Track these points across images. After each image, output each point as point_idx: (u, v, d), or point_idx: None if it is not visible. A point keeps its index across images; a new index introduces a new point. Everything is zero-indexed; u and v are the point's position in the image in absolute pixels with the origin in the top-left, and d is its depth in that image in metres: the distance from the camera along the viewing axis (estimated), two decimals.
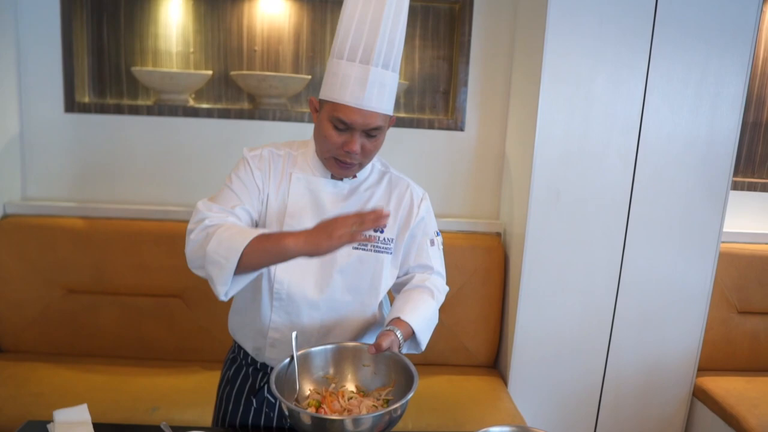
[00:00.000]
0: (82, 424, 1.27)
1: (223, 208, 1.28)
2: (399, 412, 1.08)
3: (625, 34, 2.09)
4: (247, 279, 1.23)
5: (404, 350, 1.29)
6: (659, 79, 2.13)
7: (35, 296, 2.27)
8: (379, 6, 1.22)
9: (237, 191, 1.32)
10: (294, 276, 1.32)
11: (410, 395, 1.08)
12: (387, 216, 1.09)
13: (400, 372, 1.21)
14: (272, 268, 1.32)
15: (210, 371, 2.16)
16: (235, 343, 1.49)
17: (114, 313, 2.29)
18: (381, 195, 1.39)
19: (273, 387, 1.09)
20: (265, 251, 1.15)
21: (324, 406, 1.16)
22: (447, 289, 1.46)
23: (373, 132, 1.26)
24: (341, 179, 1.36)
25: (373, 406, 1.16)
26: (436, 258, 1.44)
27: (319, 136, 1.30)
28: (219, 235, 1.19)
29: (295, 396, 1.17)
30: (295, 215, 1.33)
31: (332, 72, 1.25)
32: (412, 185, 1.43)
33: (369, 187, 1.39)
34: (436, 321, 1.38)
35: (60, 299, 2.28)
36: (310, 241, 1.11)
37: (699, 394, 2.38)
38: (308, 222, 1.32)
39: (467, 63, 2.46)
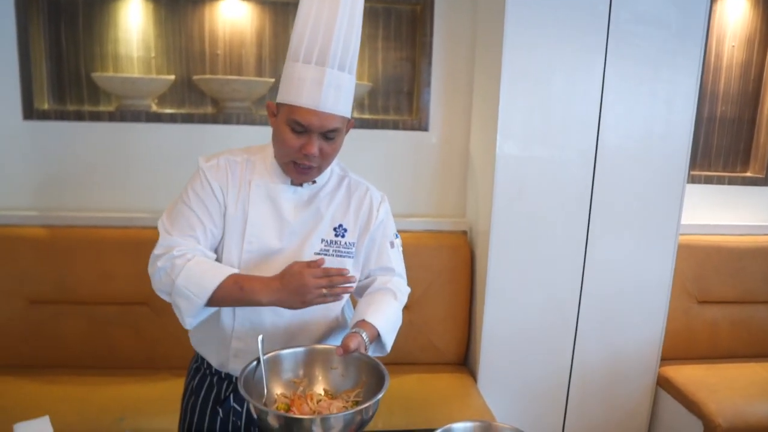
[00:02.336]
0: None
1: (184, 233, 1.29)
2: (370, 412, 1.08)
3: (581, 35, 2.14)
4: (211, 311, 1.30)
5: (370, 352, 1.28)
6: (615, 77, 2.19)
7: None
8: (333, 7, 1.21)
9: (197, 210, 1.30)
10: None
11: (381, 394, 1.08)
12: (354, 280, 1.25)
13: (369, 373, 1.21)
14: None
15: (178, 378, 2.10)
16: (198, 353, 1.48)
17: (78, 323, 2.25)
18: (340, 200, 1.38)
19: (241, 389, 1.07)
20: (235, 299, 1.24)
21: (293, 408, 1.14)
22: (408, 290, 1.47)
23: (330, 134, 1.25)
24: (301, 185, 1.35)
25: (343, 407, 1.16)
26: (396, 260, 1.45)
27: (277, 140, 1.29)
28: (189, 269, 1.23)
29: (263, 400, 1.16)
30: (256, 224, 1.31)
31: (288, 75, 1.25)
32: (371, 189, 1.43)
33: (328, 192, 1.38)
34: (399, 322, 1.39)
35: (22, 310, 2.23)
36: (284, 300, 1.22)
37: (662, 383, 2.45)
38: (269, 231, 1.32)
39: (430, 63, 2.48)
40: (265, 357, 1.19)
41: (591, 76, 2.18)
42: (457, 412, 2.07)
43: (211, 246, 1.32)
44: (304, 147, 1.24)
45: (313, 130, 1.23)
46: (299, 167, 1.28)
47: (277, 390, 1.21)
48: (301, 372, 1.25)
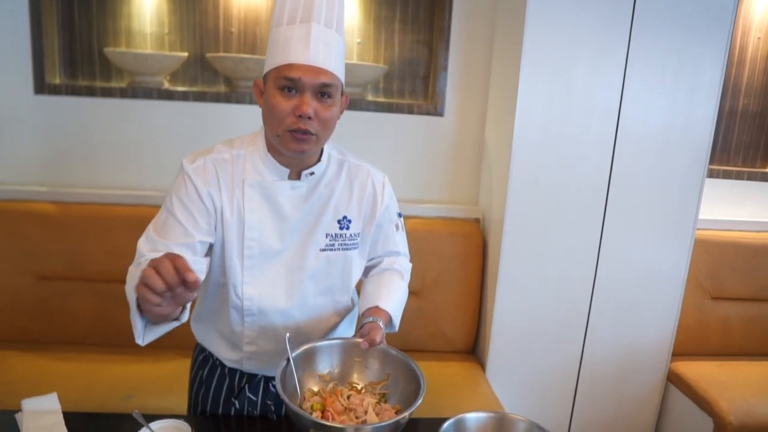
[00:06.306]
0: (52, 413, 1.25)
1: (167, 244, 1.16)
2: (407, 417, 1.07)
3: (605, 22, 2.09)
4: (162, 328, 1.08)
5: None
6: (638, 67, 2.14)
7: (5, 283, 2.21)
8: None
9: (182, 220, 1.18)
10: (263, 289, 1.26)
11: (419, 401, 1.07)
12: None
13: (394, 366, 1.22)
14: (238, 283, 1.25)
15: (186, 358, 2.10)
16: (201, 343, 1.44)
17: (87, 300, 2.25)
18: (342, 188, 1.31)
19: (281, 393, 1.04)
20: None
21: (329, 408, 1.12)
22: (410, 265, 1.48)
23: (325, 89, 1.15)
24: (299, 178, 1.25)
25: (377, 403, 1.15)
26: (401, 242, 1.43)
27: (267, 113, 1.18)
28: (132, 272, 1.08)
29: (299, 401, 1.14)
30: (254, 227, 1.23)
31: (273, 41, 1.16)
32: (372, 171, 1.35)
33: (329, 182, 1.29)
34: (406, 299, 1.41)
35: (31, 286, 2.23)
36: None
37: (673, 379, 2.42)
38: (270, 233, 1.25)
39: (447, 48, 2.43)
40: (294, 354, 1.17)
41: (613, 65, 2.13)
42: (465, 401, 2.05)
43: (200, 254, 1.23)
44: (297, 108, 1.13)
45: (305, 86, 1.13)
46: (295, 134, 1.15)
47: (307, 386, 1.20)
48: (328, 367, 1.23)
